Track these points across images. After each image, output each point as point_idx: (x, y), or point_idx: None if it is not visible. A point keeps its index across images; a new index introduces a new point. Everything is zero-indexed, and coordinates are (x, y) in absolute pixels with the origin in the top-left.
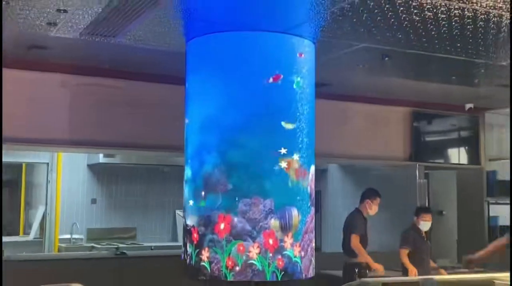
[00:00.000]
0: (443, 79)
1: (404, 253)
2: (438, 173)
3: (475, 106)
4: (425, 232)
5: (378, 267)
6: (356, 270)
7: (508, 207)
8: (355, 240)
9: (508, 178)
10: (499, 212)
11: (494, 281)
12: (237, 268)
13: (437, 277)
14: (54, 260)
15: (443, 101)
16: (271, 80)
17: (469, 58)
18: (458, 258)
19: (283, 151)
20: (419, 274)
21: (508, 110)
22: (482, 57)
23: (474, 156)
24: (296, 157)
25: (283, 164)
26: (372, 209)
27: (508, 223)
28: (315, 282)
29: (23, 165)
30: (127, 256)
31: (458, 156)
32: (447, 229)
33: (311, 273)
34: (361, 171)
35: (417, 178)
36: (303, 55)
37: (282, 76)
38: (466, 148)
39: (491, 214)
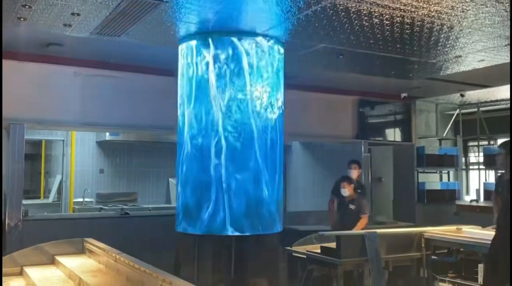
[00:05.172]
0: (384, 73)
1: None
2: (378, 148)
3: (409, 95)
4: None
5: (331, 224)
6: None
7: (433, 174)
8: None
9: (433, 152)
10: (426, 178)
11: (424, 233)
12: None
13: (378, 230)
14: (69, 219)
15: (383, 91)
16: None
17: (406, 57)
18: (393, 215)
19: None
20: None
21: (433, 98)
22: (416, 56)
23: (407, 135)
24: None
25: None
26: (352, 174)
27: (432, 187)
28: (283, 234)
29: (43, 141)
30: (130, 216)
31: (394, 134)
32: (385, 192)
33: (280, 227)
34: (317, 147)
35: (362, 152)
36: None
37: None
38: (401, 128)
39: (419, 180)
